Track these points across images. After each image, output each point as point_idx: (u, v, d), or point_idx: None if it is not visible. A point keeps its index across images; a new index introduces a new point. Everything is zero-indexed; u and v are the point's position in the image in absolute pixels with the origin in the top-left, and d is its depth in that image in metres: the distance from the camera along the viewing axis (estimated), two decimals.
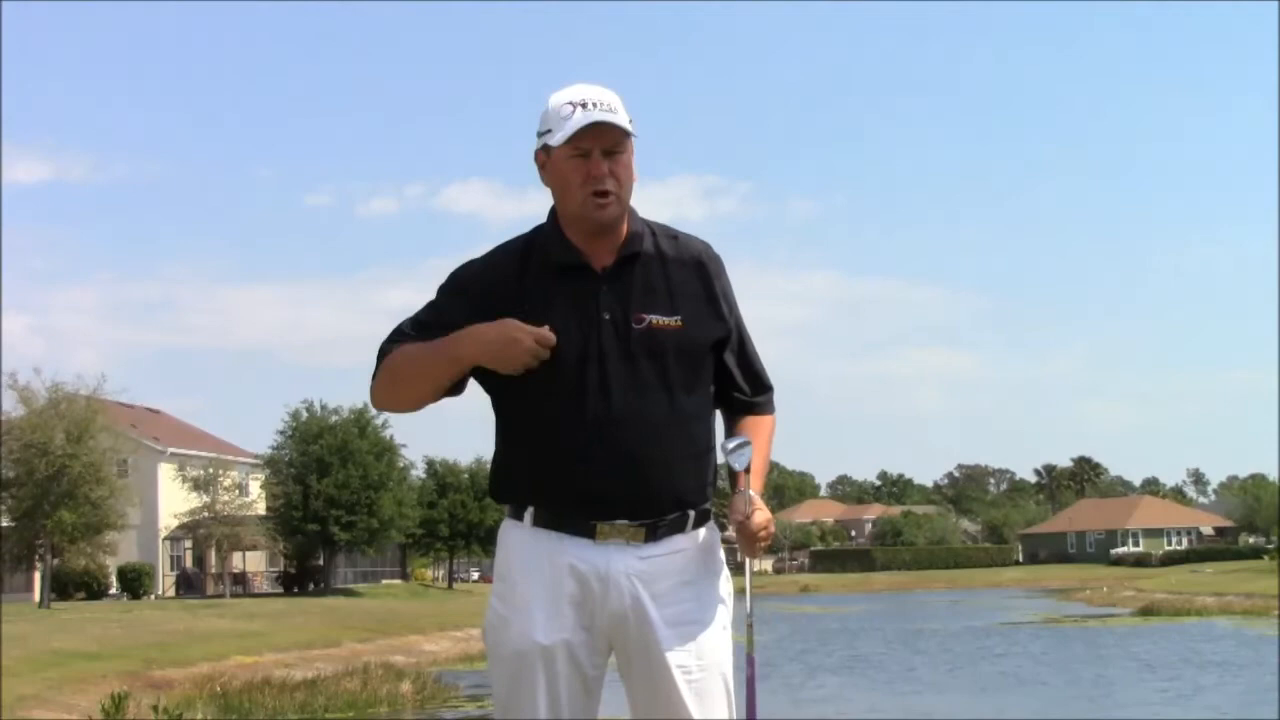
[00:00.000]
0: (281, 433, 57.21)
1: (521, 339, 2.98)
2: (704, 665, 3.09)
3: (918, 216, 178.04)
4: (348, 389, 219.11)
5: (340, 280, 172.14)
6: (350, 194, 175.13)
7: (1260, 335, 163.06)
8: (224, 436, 68.58)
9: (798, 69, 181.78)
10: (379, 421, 57.59)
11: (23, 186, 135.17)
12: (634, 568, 3.05)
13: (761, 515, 3.11)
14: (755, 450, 3.18)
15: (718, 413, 3.27)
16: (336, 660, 28.60)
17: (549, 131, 3.05)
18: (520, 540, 3.13)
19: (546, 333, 2.99)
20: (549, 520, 3.09)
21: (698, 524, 3.16)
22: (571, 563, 3.06)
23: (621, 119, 3.03)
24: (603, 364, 3.04)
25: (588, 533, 3.05)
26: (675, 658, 3.06)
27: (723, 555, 3.30)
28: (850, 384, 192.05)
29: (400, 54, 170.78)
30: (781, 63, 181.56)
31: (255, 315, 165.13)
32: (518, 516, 3.14)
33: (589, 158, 3.02)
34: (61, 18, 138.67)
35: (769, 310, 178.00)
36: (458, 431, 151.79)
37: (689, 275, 3.15)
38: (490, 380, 3.11)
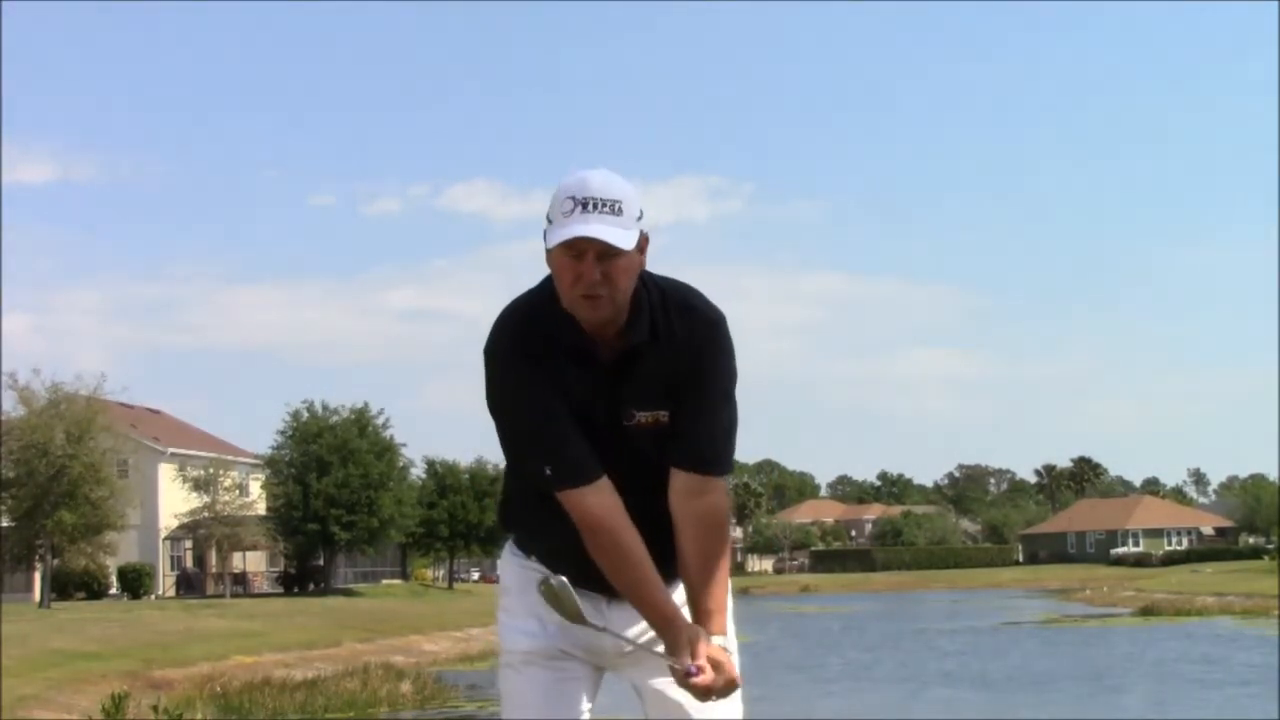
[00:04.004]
0: (282, 433, 57.22)
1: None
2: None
3: (920, 217, 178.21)
4: (348, 389, 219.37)
5: (343, 280, 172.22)
6: (354, 194, 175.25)
7: (1260, 335, 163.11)
8: (224, 436, 68.64)
9: (802, 70, 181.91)
10: (379, 421, 57.66)
11: (29, 187, 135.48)
12: (624, 615, 3.12)
13: (716, 674, 2.88)
14: (700, 580, 3.02)
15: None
16: (336, 660, 28.61)
17: (550, 222, 2.99)
18: (517, 567, 3.29)
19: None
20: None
21: None
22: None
23: (616, 229, 2.93)
24: (606, 462, 3.03)
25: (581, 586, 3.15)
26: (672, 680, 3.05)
27: None
28: (851, 384, 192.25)
29: (404, 54, 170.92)
30: (785, 64, 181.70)
31: (258, 315, 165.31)
32: (517, 553, 3.31)
33: (582, 259, 2.94)
34: (67, 18, 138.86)
35: (772, 311, 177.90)
36: (458, 432, 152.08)
37: (687, 360, 3.06)
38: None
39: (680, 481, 3.05)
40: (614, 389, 3.06)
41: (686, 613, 3.03)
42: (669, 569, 3.06)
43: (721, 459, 3.10)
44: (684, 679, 2.89)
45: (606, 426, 3.05)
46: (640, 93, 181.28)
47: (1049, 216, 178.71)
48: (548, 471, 3.02)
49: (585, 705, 3.18)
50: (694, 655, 2.89)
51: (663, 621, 2.97)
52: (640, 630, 3.11)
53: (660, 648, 2.99)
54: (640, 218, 3.00)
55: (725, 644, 2.96)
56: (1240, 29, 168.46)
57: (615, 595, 3.10)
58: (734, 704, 3.15)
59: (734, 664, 2.95)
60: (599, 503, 3.00)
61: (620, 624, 3.10)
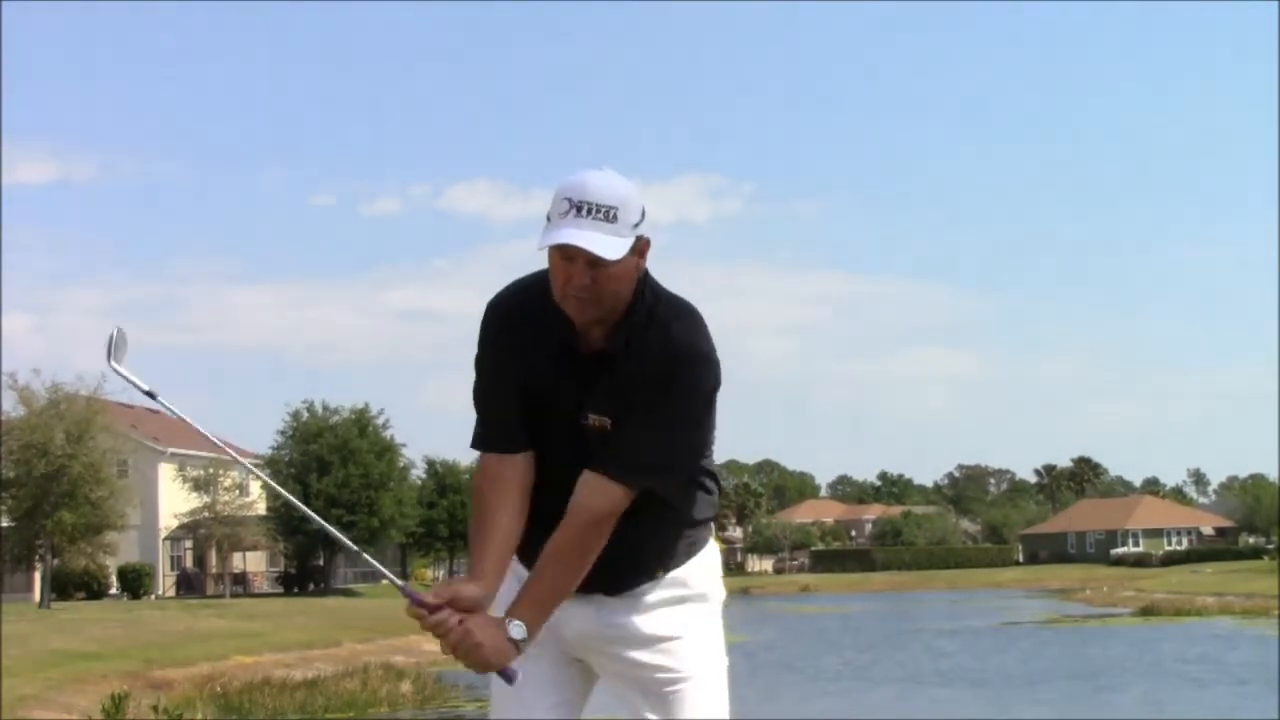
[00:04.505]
0: (282, 433, 57.28)
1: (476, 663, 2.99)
2: (677, 676, 3.13)
3: (920, 217, 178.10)
4: (348, 389, 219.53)
5: (344, 281, 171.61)
6: (354, 194, 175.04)
7: (1260, 335, 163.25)
8: (224, 437, 68.56)
9: (802, 69, 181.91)
10: (379, 421, 57.68)
11: (30, 187, 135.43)
12: (597, 603, 3.14)
13: (452, 627, 2.97)
14: (541, 567, 3.02)
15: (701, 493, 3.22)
16: (336, 660, 28.60)
17: (548, 220, 2.99)
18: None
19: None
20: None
21: (671, 570, 3.19)
22: None
23: (605, 238, 2.92)
24: (563, 454, 3.07)
25: None
26: (639, 671, 3.12)
27: (706, 575, 3.26)
28: (851, 384, 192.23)
29: (404, 54, 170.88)
30: (786, 63, 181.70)
31: (258, 315, 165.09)
32: None
33: (573, 262, 2.95)
34: (67, 18, 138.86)
35: (771, 310, 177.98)
36: (458, 432, 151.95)
37: (651, 377, 3.03)
38: None
39: (585, 475, 3.03)
40: (579, 386, 3.08)
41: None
42: (614, 576, 3.09)
43: (633, 468, 3.01)
44: (408, 607, 3.01)
45: (563, 420, 3.09)
46: (641, 93, 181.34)
47: (1049, 216, 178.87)
48: (478, 429, 3.14)
49: (555, 693, 3.20)
50: (433, 596, 2.98)
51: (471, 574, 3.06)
52: (588, 626, 3.14)
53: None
54: (639, 223, 2.99)
55: (515, 632, 2.94)
56: (1241, 28, 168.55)
57: (581, 590, 3.10)
58: (711, 708, 3.15)
59: (490, 641, 2.93)
60: (498, 473, 3.09)
61: (578, 613, 3.13)
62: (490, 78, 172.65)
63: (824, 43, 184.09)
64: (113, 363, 3.07)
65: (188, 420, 3.12)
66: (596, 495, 3.01)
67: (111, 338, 3.06)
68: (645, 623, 3.14)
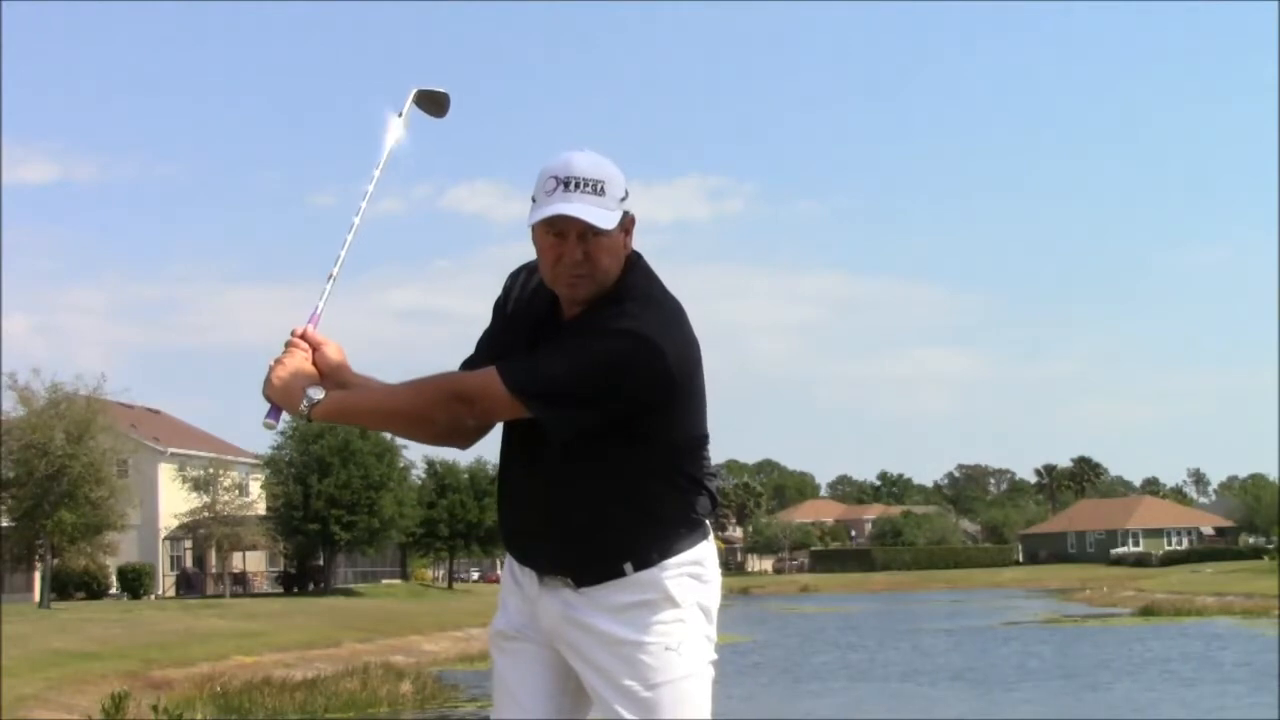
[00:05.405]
0: (282, 433, 57.18)
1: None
2: (646, 683, 3.05)
3: (920, 217, 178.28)
4: None
5: (344, 281, 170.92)
6: (355, 194, 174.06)
7: (1260, 335, 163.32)
8: (224, 436, 68.60)
9: (804, 70, 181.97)
10: None
11: (31, 187, 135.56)
12: (565, 599, 3.12)
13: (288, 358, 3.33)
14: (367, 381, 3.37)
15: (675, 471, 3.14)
16: (336, 660, 28.61)
17: (534, 202, 3.02)
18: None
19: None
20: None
21: (642, 568, 3.07)
22: (521, 580, 3.23)
23: (597, 209, 2.96)
24: (530, 429, 3.07)
25: (528, 566, 3.23)
26: (607, 677, 3.08)
27: (686, 580, 3.12)
28: (851, 384, 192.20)
29: (404, 53, 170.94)
30: (787, 63, 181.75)
31: (258, 315, 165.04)
32: None
33: (564, 238, 2.98)
34: (67, 18, 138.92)
35: (772, 311, 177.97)
36: None
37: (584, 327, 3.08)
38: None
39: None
40: None
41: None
42: (572, 560, 3.08)
43: (513, 368, 2.99)
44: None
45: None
46: (641, 93, 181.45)
47: (1049, 216, 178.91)
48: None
49: (533, 680, 3.19)
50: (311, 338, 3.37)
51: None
52: (554, 622, 3.13)
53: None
54: (624, 199, 3.03)
55: (312, 392, 3.21)
56: (1240, 29, 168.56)
57: (545, 573, 3.14)
58: (676, 712, 3.10)
59: (291, 373, 3.27)
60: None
61: (546, 604, 3.14)
62: (491, 78, 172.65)
63: (825, 43, 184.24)
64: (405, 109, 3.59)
65: None
66: (473, 372, 3.11)
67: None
68: (613, 625, 3.05)
